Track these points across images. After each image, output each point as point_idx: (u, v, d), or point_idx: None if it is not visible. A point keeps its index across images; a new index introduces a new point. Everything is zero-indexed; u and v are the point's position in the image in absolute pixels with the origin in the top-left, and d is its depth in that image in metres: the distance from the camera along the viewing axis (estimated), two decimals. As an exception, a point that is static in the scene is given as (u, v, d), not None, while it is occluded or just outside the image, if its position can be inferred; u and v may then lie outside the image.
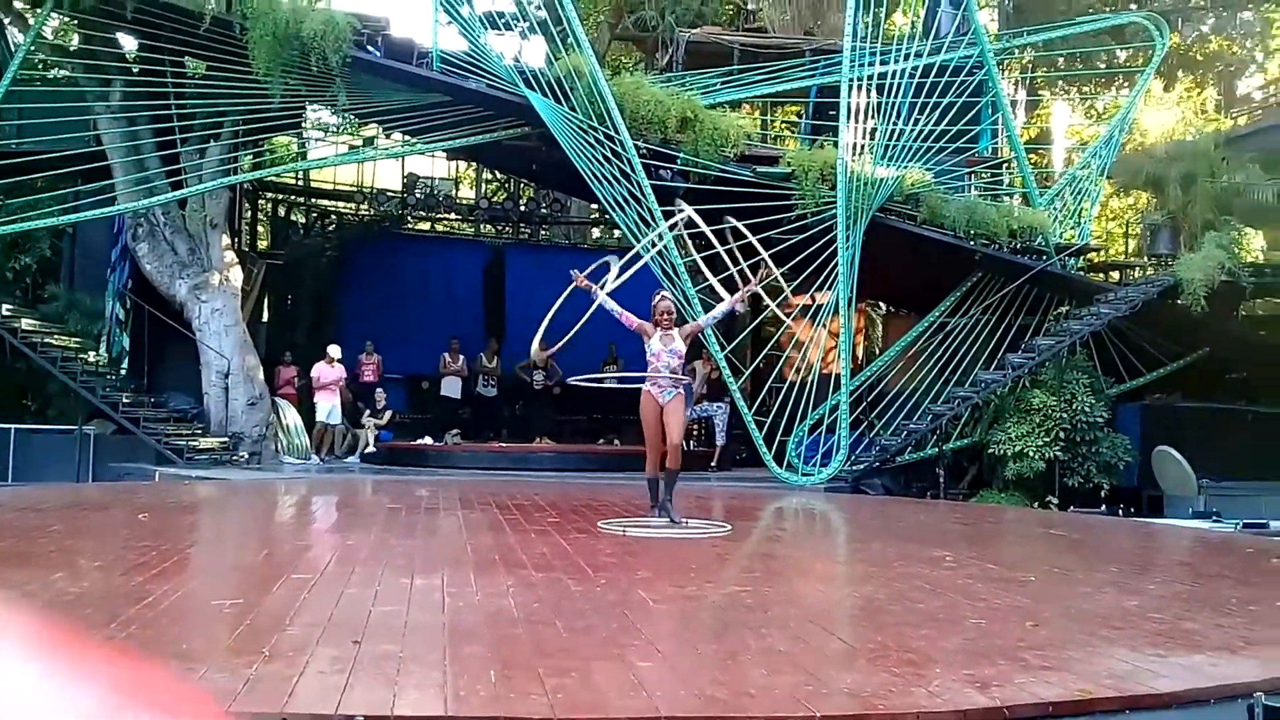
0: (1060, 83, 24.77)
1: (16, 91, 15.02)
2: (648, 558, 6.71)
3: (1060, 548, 8.40)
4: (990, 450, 14.33)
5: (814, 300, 14.85)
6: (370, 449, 16.27)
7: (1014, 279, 15.32)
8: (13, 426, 14.72)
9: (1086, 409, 14.02)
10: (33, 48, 15.69)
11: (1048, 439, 13.79)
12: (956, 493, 14.55)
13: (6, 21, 17.03)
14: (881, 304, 21.63)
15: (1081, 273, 17.36)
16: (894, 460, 14.59)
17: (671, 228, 9.72)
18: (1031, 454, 13.75)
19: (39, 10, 15.19)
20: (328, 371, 16.11)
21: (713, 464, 15.98)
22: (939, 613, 4.86)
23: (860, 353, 19.34)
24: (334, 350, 16.27)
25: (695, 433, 17.52)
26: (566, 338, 8.81)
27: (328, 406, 16.10)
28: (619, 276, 8.52)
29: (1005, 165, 18.12)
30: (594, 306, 8.34)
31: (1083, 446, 13.99)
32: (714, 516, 9.24)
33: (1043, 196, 16.83)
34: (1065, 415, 13.91)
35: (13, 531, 7.40)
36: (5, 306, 15.23)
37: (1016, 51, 20.07)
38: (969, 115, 15.72)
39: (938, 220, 15.12)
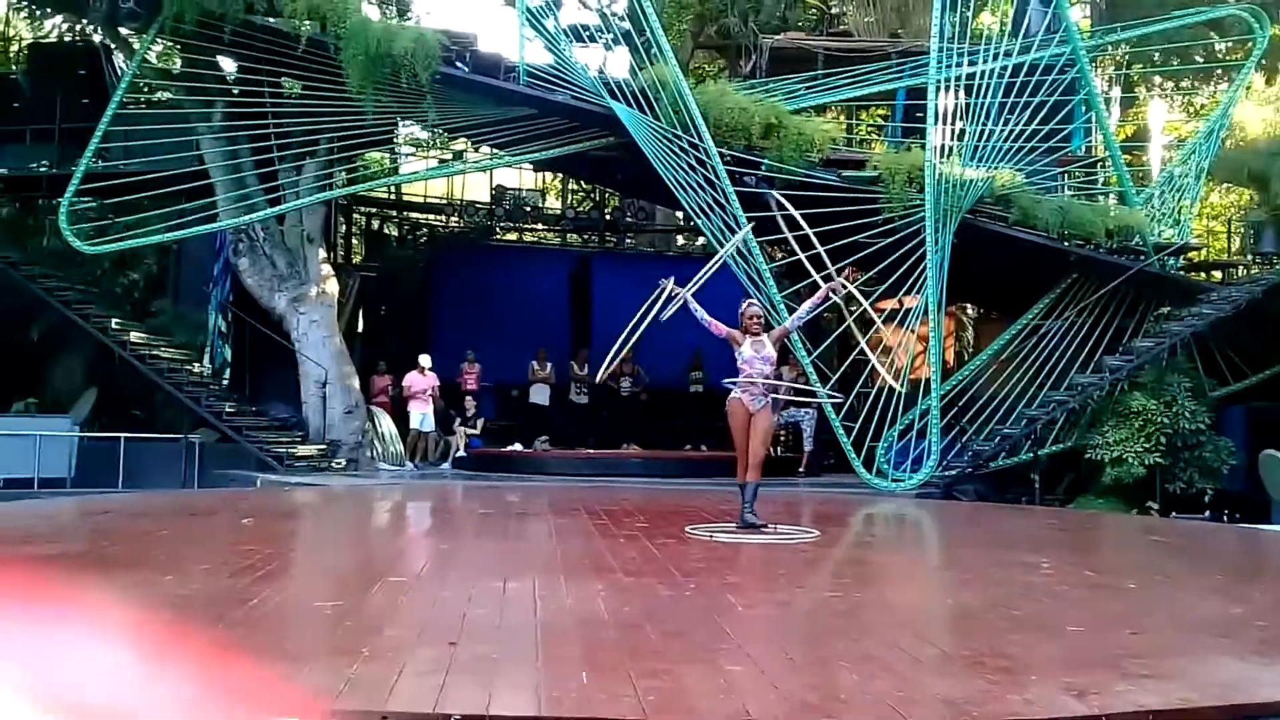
0: (1156, 79, 24.08)
1: (123, 114, 15.64)
2: (738, 563, 6.72)
3: (1162, 554, 8.17)
4: (1088, 455, 13.98)
5: (902, 304, 14.68)
6: (460, 453, 16.56)
7: (1111, 280, 14.95)
8: (123, 435, 15.30)
9: (1188, 413, 13.58)
10: (138, 72, 16.33)
11: (1148, 444, 13.38)
12: (1053, 499, 14.22)
13: (113, 47, 17.76)
14: (971, 307, 21.28)
15: (1182, 272, 16.85)
16: (987, 466, 14.33)
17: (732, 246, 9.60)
18: (1131, 460, 13.37)
19: (143, 36, 15.82)
20: (419, 380, 16.43)
21: (801, 469, 15.90)
22: (1036, 619, 4.79)
23: (951, 356, 19.04)
24: (425, 360, 16.60)
25: (784, 438, 17.45)
26: (624, 350, 8.79)
27: (420, 414, 16.43)
28: (699, 281, 8.51)
29: (1100, 164, 17.68)
30: (669, 311, 8.34)
31: (1185, 451, 13.55)
32: (802, 522, 9.19)
33: (1139, 195, 16.40)
34: (1166, 419, 13.49)
35: (125, 536, 7.71)
36: (115, 320, 15.86)
37: (1110, 48, 19.59)
38: (1061, 114, 15.38)
39: (1030, 221, 14.81)
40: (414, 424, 16.49)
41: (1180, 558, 7.94)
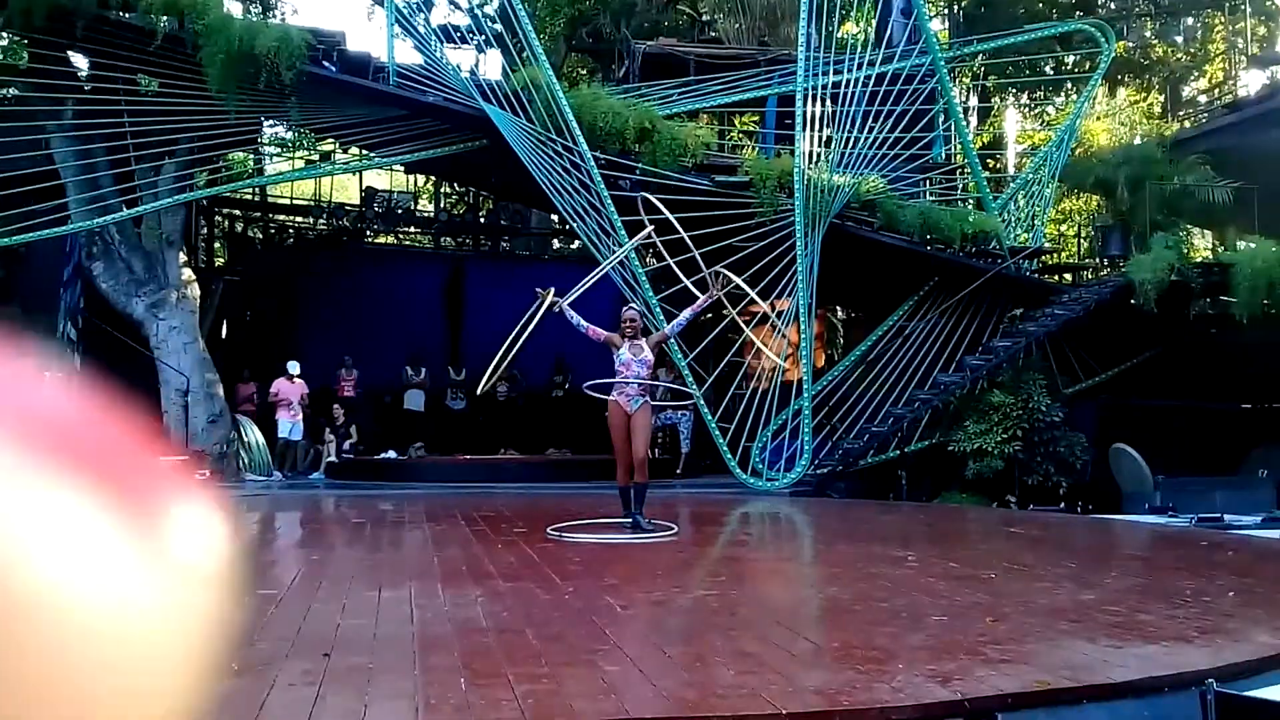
0: (1011, 89, 25.17)
1: (-34, 111, 14.84)
2: (615, 565, 6.75)
3: (1020, 545, 8.53)
4: (950, 448, 14.52)
5: (774, 307, 14.98)
6: (331, 459, 16.19)
7: (969, 282, 15.54)
8: (-33, 450, 14.48)
9: (1043, 408, 14.24)
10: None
11: (1005, 435, 14.00)
12: (918, 494, 14.71)
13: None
14: (841, 309, 21.84)
15: (1036, 275, 17.64)
16: (857, 464, 14.72)
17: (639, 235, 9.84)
18: (991, 450, 13.95)
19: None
20: (288, 387, 16.01)
21: (678, 470, 16.06)
22: (902, 611, 4.95)
23: (821, 358, 19.50)
24: (294, 366, 16.18)
25: (660, 440, 17.59)
26: (504, 363, 8.90)
27: (289, 423, 16.02)
28: (581, 290, 8.64)
29: (959, 171, 18.38)
30: (535, 321, 8.44)
31: (1040, 446, 14.20)
32: (677, 522, 9.29)
33: (996, 201, 17.09)
34: (1022, 414, 14.13)
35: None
36: (-43, 328, 15.02)
37: (967, 59, 20.38)
38: (923, 122, 15.94)
39: (894, 226, 15.31)
40: (282, 433, 16.06)
41: (1037, 548, 8.31)
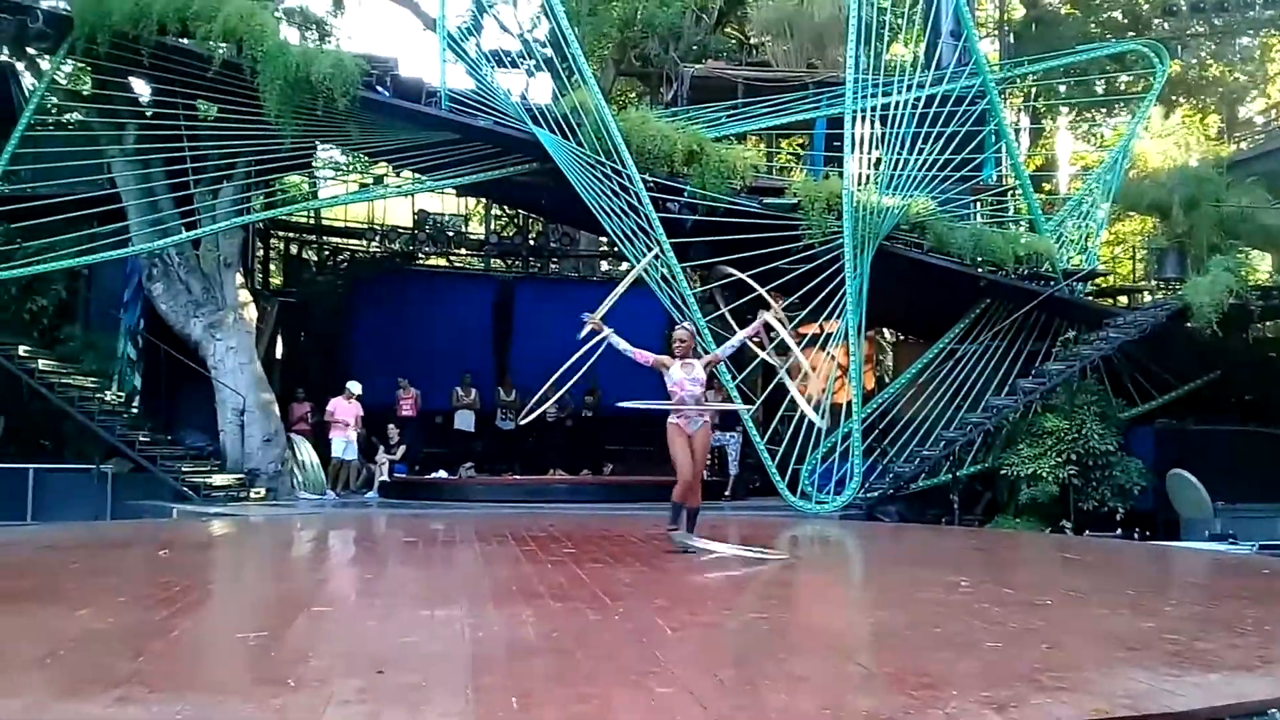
0: (1063, 110, 24.94)
1: (31, 136, 15.21)
2: (665, 586, 6.74)
3: (1076, 571, 8.39)
4: (1003, 473, 14.34)
5: (823, 329, 14.92)
6: (384, 478, 16.33)
7: (1022, 305, 15.38)
8: (31, 466, 14.81)
9: (1098, 433, 14.02)
10: (46, 93, 15.91)
11: (1060, 460, 13.80)
12: (971, 519, 14.54)
13: (20, 67, 17.30)
14: (890, 331, 21.69)
15: (1089, 297, 17.41)
16: (908, 487, 14.59)
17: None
18: (1045, 475, 13.75)
19: (53, 57, 15.44)
20: (344, 407, 16.18)
21: (726, 493, 16.00)
22: (955, 636, 4.89)
23: (871, 380, 19.37)
24: (355, 387, 16.31)
25: (708, 462, 17.56)
26: (564, 388, 9.04)
27: (343, 442, 16.18)
28: (611, 301, 8.69)
29: (1010, 193, 18.22)
30: (601, 347, 8.49)
31: (1096, 471, 13.97)
32: (727, 544, 9.24)
33: (1048, 223, 16.91)
34: (1076, 439, 13.92)
35: (36, 569, 7.47)
36: (23, 348, 15.37)
37: (1018, 80, 20.23)
38: (973, 144, 15.83)
39: (944, 248, 15.20)
40: (335, 452, 16.22)
41: (1093, 574, 8.15)
